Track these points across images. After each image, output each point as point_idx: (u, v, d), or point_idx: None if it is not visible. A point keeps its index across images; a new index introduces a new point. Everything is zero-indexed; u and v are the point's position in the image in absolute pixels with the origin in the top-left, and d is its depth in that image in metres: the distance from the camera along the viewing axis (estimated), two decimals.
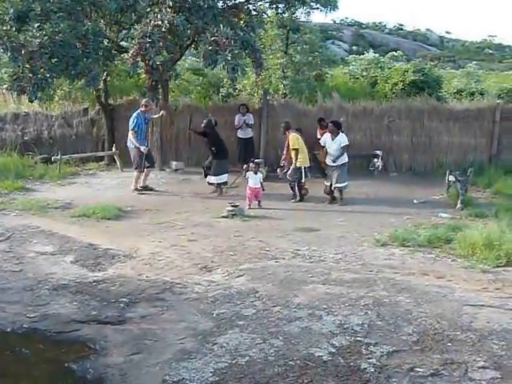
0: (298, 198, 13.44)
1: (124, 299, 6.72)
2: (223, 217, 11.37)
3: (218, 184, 13.93)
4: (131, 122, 13.95)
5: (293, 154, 13.49)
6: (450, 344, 5.51)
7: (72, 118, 18.45)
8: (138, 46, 12.96)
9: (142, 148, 14.00)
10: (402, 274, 7.73)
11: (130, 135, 14.01)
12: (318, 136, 15.61)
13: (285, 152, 14.03)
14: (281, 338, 5.64)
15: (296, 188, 13.52)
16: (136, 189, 13.98)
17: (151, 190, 14.18)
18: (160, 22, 12.91)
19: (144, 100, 14.57)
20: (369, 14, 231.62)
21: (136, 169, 14.11)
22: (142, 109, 14.12)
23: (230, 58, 12.64)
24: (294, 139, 13.52)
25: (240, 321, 6.06)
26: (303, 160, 13.50)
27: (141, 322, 6.13)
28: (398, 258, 8.65)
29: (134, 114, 14.05)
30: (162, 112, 15.25)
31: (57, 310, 6.46)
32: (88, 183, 15.12)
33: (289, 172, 13.61)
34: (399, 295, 6.79)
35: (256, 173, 13.06)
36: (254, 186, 12.91)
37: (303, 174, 13.43)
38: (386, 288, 7.05)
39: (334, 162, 13.15)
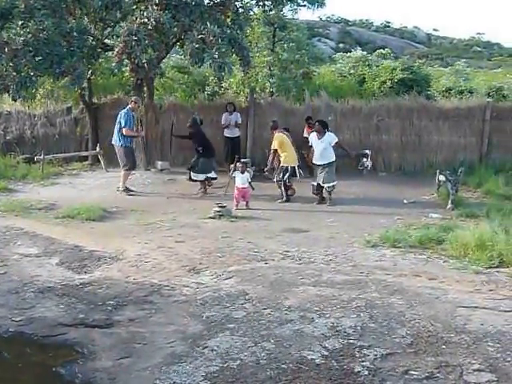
0: (284, 199, 13.45)
1: (111, 302, 6.69)
2: (210, 217, 11.35)
3: (203, 181, 13.91)
4: (123, 120, 13.85)
5: (277, 154, 13.58)
6: (444, 346, 5.52)
7: (55, 117, 18.39)
8: (124, 44, 12.96)
9: (142, 133, 14.10)
10: (394, 275, 7.74)
11: (126, 132, 13.90)
12: (305, 135, 15.66)
13: (271, 152, 14.03)
14: (272, 340, 5.63)
15: (282, 188, 13.54)
16: (124, 189, 13.92)
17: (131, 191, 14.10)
18: (146, 20, 12.92)
19: (134, 97, 14.53)
20: (355, 11, 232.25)
21: (125, 168, 14.04)
22: (131, 105, 14.07)
23: (216, 56, 12.68)
24: (276, 139, 13.58)
25: (230, 324, 6.05)
26: (289, 159, 13.53)
27: (129, 325, 6.10)
28: (390, 259, 8.66)
29: (124, 111, 13.98)
30: (142, 133, 15.18)
31: (43, 313, 6.41)
32: (72, 183, 15.07)
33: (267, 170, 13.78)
34: (391, 297, 6.80)
35: (243, 172, 13.05)
36: (241, 186, 12.90)
37: (288, 173, 13.46)
38: (377, 290, 7.05)
39: (321, 160, 13.18)
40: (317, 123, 13.58)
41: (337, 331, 5.85)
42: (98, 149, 16.78)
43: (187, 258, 8.53)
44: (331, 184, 13.14)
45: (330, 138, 13.20)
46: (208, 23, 12.97)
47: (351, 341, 5.64)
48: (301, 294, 6.91)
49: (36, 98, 19.02)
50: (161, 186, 14.87)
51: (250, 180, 13.14)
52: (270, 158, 13.77)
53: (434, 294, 6.98)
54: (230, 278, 7.57)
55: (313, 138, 13.43)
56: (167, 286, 7.27)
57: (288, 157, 13.52)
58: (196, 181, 14.01)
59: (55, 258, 8.54)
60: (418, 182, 15.49)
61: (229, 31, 13.81)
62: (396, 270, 7.99)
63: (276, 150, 13.57)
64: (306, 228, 10.74)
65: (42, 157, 16.10)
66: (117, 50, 13.30)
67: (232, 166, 13.83)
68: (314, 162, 13.53)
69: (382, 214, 12.15)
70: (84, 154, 17.57)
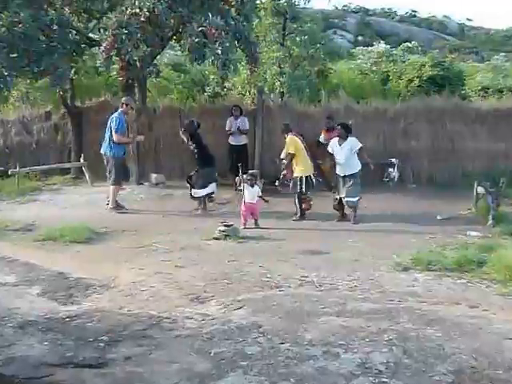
0: (298, 215, 13.47)
1: (104, 337, 6.67)
2: (214, 238, 11.36)
3: (201, 198, 13.93)
4: (114, 124, 13.90)
5: (290, 160, 13.57)
6: None
7: (32, 123, 18.51)
8: (113, 39, 13.03)
9: (139, 138, 14.19)
10: (429, 303, 7.73)
11: (117, 139, 13.92)
12: (321, 139, 15.68)
13: (286, 157, 14.00)
14: (292, 380, 5.62)
15: (296, 201, 13.55)
16: (114, 207, 13.94)
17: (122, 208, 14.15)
18: (138, 10, 12.99)
19: (124, 98, 14.55)
20: None
21: (115, 182, 14.09)
22: (123, 108, 14.12)
23: (220, 52, 12.73)
24: (290, 142, 13.56)
25: (243, 361, 6.03)
26: (303, 168, 13.54)
27: (125, 364, 6.08)
28: (423, 284, 8.64)
29: (115, 115, 14.03)
30: (140, 137, 15.25)
31: (25, 351, 6.39)
32: (52, 200, 15.12)
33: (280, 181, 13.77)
34: (427, 328, 6.77)
35: (252, 186, 13.06)
36: (249, 202, 12.91)
37: (304, 185, 13.47)
38: (411, 320, 7.03)
39: (343, 171, 13.20)
40: (339, 127, 13.60)
41: (366, 368, 5.83)
42: (81, 160, 16.84)
43: (189, 285, 8.52)
44: (355, 199, 13.15)
45: (353, 143, 13.22)
46: (210, 14, 13.03)
47: (383, 379, 5.62)
48: (323, 325, 6.90)
49: (9, 102, 19.08)
50: (156, 202, 14.91)
51: (259, 194, 13.15)
52: (287, 163, 13.70)
53: (477, 324, 6.96)
54: (239, 308, 7.56)
55: (334, 144, 13.45)
56: (168, 317, 7.25)
57: (302, 165, 13.54)
58: (197, 198, 14.03)
59: (36, 287, 8.52)
60: (453, 194, 15.49)
61: (233, 23, 13.88)
62: (431, 297, 7.97)
63: (293, 155, 13.53)
64: (326, 249, 10.73)
65: (17, 170, 16.16)
66: (104, 45, 13.37)
67: (237, 178, 13.83)
68: (336, 172, 13.51)
69: (413, 232, 12.15)
70: (66, 165, 17.64)
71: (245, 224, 12.64)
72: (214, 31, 12.80)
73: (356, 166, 13.20)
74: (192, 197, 14.13)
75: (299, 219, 13.37)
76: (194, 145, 14.01)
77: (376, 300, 7.85)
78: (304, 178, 13.48)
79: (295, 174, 13.55)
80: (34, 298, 8.09)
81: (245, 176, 13.37)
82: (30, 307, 7.69)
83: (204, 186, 13.90)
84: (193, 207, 14.05)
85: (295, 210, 13.59)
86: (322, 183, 15.16)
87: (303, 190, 13.45)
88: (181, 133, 14.37)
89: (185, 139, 14.24)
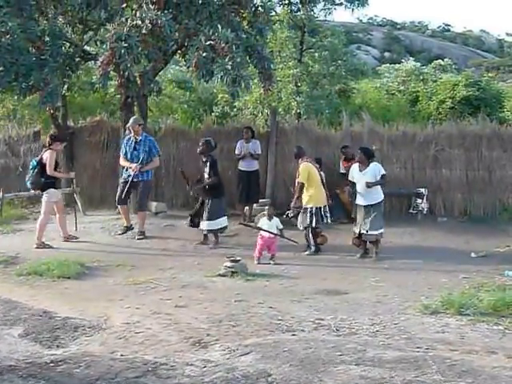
0: (312, 249, 13.47)
1: None
2: (220, 275, 11.36)
3: (213, 231, 13.94)
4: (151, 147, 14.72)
5: (300, 190, 13.58)
6: None
7: (18, 144, 18.51)
8: (111, 52, 13.06)
9: (134, 165, 14.35)
10: (461, 351, 7.65)
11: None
12: (342, 170, 15.73)
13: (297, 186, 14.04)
14: None
15: (310, 236, 13.53)
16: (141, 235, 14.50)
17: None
18: (139, 22, 13.04)
19: (133, 119, 14.84)
20: (405, 11, 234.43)
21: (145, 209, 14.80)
22: (132, 132, 14.46)
23: (230, 68, 12.74)
24: (303, 170, 13.59)
25: None
26: (316, 198, 13.55)
27: None
28: (455, 330, 8.57)
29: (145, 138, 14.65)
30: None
31: None
32: None
33: (290, 213, 13.70)
34: (459, 380, 6.71)
35: (271, 218, 13.06)
36: (267, 235, 12.90)
37: (316, 216, 13.47)
38: (440, 370, 6.96)
39: (364, 200, 13.18)
40: (359, 151, 13.62)
41: None
42: (73, 186, 16.83)
43: (190, 327, 8.50)
44: (378, 232, 13.12)
45: (376, 169, 13.21)
46: (219, 26, 13.09)
47: None
48: (340, 375, 6.84)
49: None
50: (156, 233, 14.90)
51: (280, 227, 13.15)
52: (297, 193, 13.71)
53: None
54: (246, 353, 7.52)
55: (354, 170, 13.46)
56: (165, 364, 7.21)
57: (315, 195, 13.56)
58: (212, 231, 14.01)
59: (18, 327, 8.50)
60: (490, 229, 15.46)
61: (245, 36, 13.96)
62: (463, 345, 7.90)
63: (302, 184, 13.55)
64: (345, 289, 10.70)
65: (0, 195, 16.19)
66: (101, 59, 13.43)
67: (246, 208, 13.80)
68: (356, 202, 13.50)
69: (443, 271, 12.10)
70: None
71: (259, 259, 12.64)
72: (223, 45, 12.83)
73: (379, 195, 13.20)
74: (205, 231, 14.07)
75: (313, 253, 13.35)
76: (213, 177, 14.06)
77: (400, 347, 7.79)
78: (315, 210, 13.49)
79: (306, 205, 13.52)
80: (14, 339, 8.05)
81: (266, 207, 13.30)
82: (9, 350, 7.66)
83: (214, 218, 13.88)
84: (198, 240, 14.04)
85: (307, 244, 13.57)
86: (341, 214, 15.14)
87: (313, 223, 13.44)
88: (190, 190, 14.50)
89: (192, 193, 14.49)
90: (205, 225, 13.97)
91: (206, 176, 14.08)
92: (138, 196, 14.90)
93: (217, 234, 14.00)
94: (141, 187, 14.65)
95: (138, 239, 14.36)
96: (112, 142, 17.20)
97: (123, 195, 14.42)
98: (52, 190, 13.88)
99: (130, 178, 14.39)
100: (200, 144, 14.38)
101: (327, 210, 13.76)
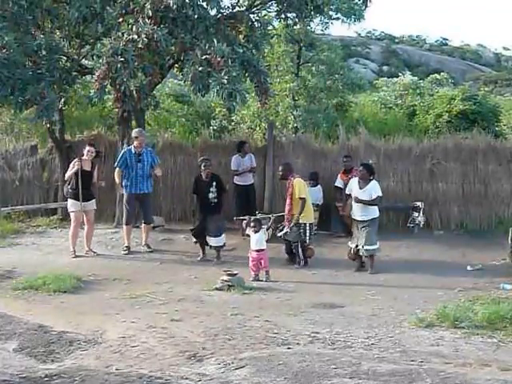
0: (303, 263, 13.49)
1: None
2: (217, 289, 11.38)
3: (221, 247, 13.99)
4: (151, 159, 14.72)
5: (299, 205, 13.56)
6: None
7: (15, 158, 18.48)
8: (107, 67, 13.12)
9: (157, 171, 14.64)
10: (455, 364, 7.67)
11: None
12: (337, 184, 15.73)
13: (287, 203, 14.02)
14: None
15: (299, 250, 13.56)
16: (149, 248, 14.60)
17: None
18: (136, 36, 13.09)
19: (134, 131, 14.85)
20: (403, 25, 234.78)
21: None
22: (135, 144, 14.37)
23: (226, 82, 12.78)
24: (299, 186, 13.61)
25: None
26: (310, 214, 13.65)
27: None
28: (449, 343, 8.59)
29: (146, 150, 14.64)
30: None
31: None
32: (36, 244, 15.14)
33: (286, 230, 13.68)
34: None
35: (257, 232, 12.99)
36: (255, 249, 12.83)
37: (309, 232, 13.56)
38: (434, 383, 7.00)
39: (361, 215, 13.22)
40: (362, 167, 13.64)
41: None
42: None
43: (186, 341, 8.50)
44: (374, 247, 13.16)
45: (374, 189, 13.24)
46: (215, 40, 13.15)
47: None
48: None
49: None
50: (153, 247, 14.89)
51: (268, 238, 13.18)
52: (299, 209, 13.66)
53: None
54: (241, 367, 7.53)
55: (354, 184, 13.47)
56: (160, 378, 7.23)
57: (308, 211, 13.66)
58: (219, 247, 14.06)
59: (12, 341, 8.49)
60: (486, 242, 15.47)
61: (241, 51, 14.00)
62: (458, 358, 7.92)
63: (304, 199, 13.56)
64: (340, 302, 10.72)
65: None
66: (97, 73, 13.47)
67: (244, 222, 13.80)
68: (352, 216, 13.53)
69: (440, 284, 12.15)
70: (52, 205, 17.64)
71: (255, 277, 12.58)
72: (219, 59, 12.89)
73: (375, 212, 13.26)
74: (213, 247, 14.06)
75: (303, 267, 13.39)
76: (225, 192, 14.34)
77: (395, 360, 7.80)
78: (309, 226, 13.56)
79: (300, 221, 13.54)
80: (9, 354, 8.04)
81: (251, 222, 13.26)
82: (3, 365, 7.65)
83: (219, 235, 13.94)
84: (196, 252, 14.06)
85: (291, 258, 13.72)
86: (339, 228, 15.19)
87: (307, 240, 13.51)
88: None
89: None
90: (215, 241, 13.99)
91: (215, 195, 14.10)
92: (144, 209, 14.92)
93: (219, 249, 14.02)
94: (147, 200, 14.79)
95: (149, 251, 14.53)
96: (109, 156, 17.20)
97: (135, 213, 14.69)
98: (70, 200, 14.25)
99: (142, 192, 14.60)
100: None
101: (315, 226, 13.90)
